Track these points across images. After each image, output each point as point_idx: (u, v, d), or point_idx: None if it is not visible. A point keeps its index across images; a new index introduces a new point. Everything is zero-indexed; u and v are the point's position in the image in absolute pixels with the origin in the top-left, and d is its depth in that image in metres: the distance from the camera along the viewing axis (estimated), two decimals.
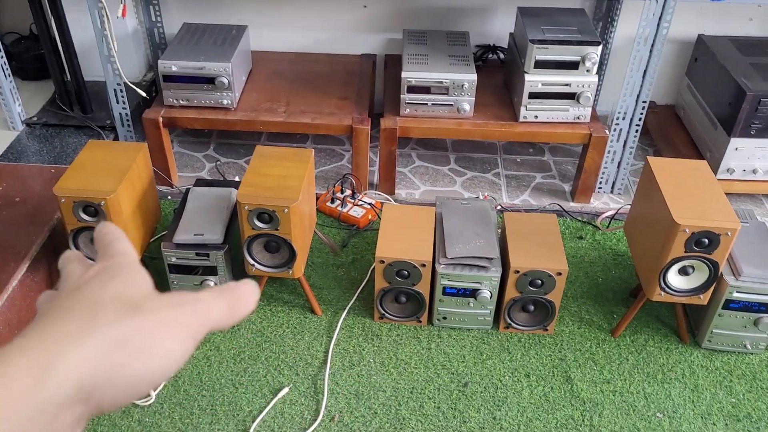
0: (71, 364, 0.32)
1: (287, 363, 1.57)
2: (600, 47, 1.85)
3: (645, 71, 1.88)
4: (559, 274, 1.52)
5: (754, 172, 1.99)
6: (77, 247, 1.54)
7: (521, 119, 1.96)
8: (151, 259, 1.80)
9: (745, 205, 2.11)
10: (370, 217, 1.97)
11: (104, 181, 1.47)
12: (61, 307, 0.36)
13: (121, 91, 1.97)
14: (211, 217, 1.60)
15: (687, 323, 1.67)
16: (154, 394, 1.49)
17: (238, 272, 1.68)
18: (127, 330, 0.34)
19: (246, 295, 0.41)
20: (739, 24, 2.26)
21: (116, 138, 2.10)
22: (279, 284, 1.76)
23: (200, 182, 1.76)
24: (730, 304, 1.53)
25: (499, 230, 1.70)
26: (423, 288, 1.58)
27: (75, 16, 2.09)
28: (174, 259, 1.57)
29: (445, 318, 1.64)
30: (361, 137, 1.97)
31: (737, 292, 1.50)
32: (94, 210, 1.47)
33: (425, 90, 1.92)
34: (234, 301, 0.40)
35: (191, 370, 1.54)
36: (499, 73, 2.23)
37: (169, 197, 2.06)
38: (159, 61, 1.89)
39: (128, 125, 2.05)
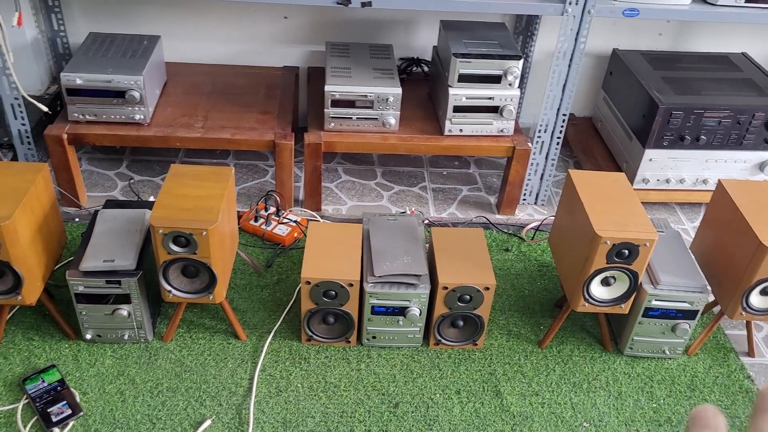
0: None
1: (209, 393, 1.48)
2: (521, 61, 1.87)
3: (564, 85, 1.92)
4: (487, 288, 1.52)
5: (667, 181, 2.07)
6: None
7: (446, 133, 1.96)
8: (57, 288, 1.67)
9: (659, 214, 2.19)
10: (295, 235, 1.91)
11: None
12: None
13: (20, 105, 1.82)
14: (122, 241, 1.50)
15: (610, 332, 1.70)
16: None
17: (154, 299, 1.58)
18: None
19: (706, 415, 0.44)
20: (650, 39, 2.35)
21: (15, 157, 1.94)
22: (200, 309, 1.67)
23: (110, 203, 1.64)
24: (649, 312, 1.57)
25: (427, 245, 1.68)
26: (351, 308, 1.53)
27: None
28: (81, 288, 1.46)
29: (374, 337, 1.60)
30: (285, 153, 1.90)
31: (656, 300, 1.54)
32: None
33: (349, 104, 1.89)
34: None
35: (103, 407, 1.43)
36: (424, 86, 2.23)
37: (77, 219, 1.92)
38: (62, 74, 1.75)
39: (29, 143, 1.89)
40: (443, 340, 1.62)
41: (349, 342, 1.61)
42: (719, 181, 1.61)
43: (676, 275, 1.55)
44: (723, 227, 1.59)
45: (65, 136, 1.81)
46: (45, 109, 1.82)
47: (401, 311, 1.55)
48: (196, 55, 2.25)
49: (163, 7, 2.15)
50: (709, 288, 1.56)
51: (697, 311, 1.56)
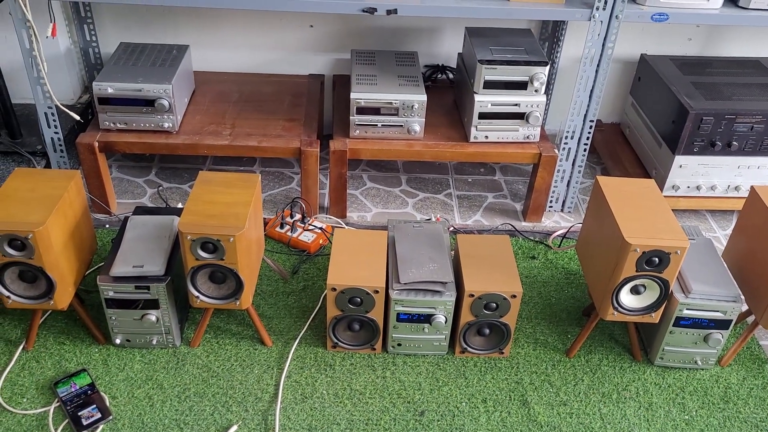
0: None
1: (236, 399, 1.49)
2: (547, 67, 1.86)
3: (591, 91, 1.90)
4: (514, 296, 1.51)
5: (698, 188, 2.03)
6: (3, 285, 1.43)
7: (472, 140, 1.95)
8: (87, 293, 1.70)
9: (690, 221, 2.15)
10: (321, 241, 1.92)
11: (32, 212, 1.37)
12: None
13: (53, 114, 1.87)
14: (151, 247, 1.52)
15: (639, 341, 1.67)
16: None
17: (182, 305, 1.60)
18: None
19: None
20: (679, 44, 2.32)
21: (48, 164, 1.98)
22: (226, 315, 1.68)
23: (140, 210, 1.67)
24: (681, 321, 1.54)
25: (453, 253, 1.67)
26: (377, 315, 1.53)
27: (1, 35, 1.98)
28: (111, 293, 1.48)
29: (399, 345, 1.60)
30: (310, 160, 1.91)
31: (687, 309, 1.51)
32: (21, 244, 1.36)
33: (375, 111, 1.89)
34: None
35: (131, 411, 1.44)
36: (449, 93, 2.23)
37: (107, 226, 1.95)
38: (94, 83, 1.79)
39: (61, 150, 1.94)
40: (469, 348, 1.60)
41: (375, 349, 1.60)
42: (752, 187, 1.58)
43: (708, 284, 1.52)
44: (756, 234, 1.55)
45: (96, 144, 1.85)
46: (77, 117, 1.86)
47: (427, 319, 1.54)
48: (223, 64, 2.28)
49: (192, 17, 2.19)
50: (742, 297, 1.53)
51: (730, 321, 1.53)
